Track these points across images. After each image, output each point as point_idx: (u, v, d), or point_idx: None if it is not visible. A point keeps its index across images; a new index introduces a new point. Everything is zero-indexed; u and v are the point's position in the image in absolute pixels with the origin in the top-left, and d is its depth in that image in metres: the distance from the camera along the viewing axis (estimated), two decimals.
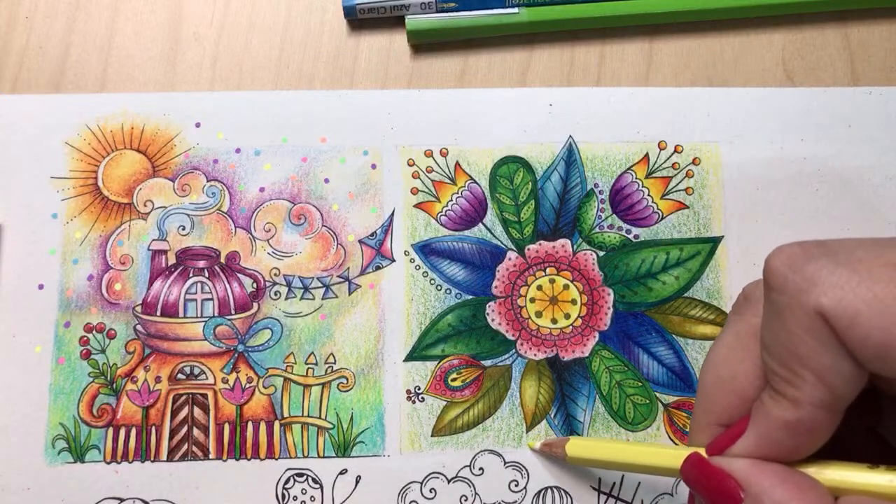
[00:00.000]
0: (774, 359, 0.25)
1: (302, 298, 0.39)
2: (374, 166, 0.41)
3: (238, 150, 0.41)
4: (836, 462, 0.26)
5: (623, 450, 0.33)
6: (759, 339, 0.27)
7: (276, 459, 0.38)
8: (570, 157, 0.41)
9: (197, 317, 0.39)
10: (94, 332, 0.39)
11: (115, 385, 0.38)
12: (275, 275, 0.40)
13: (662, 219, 0.41)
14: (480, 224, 0.41)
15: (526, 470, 0.38)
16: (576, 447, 0.35)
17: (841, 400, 0.25)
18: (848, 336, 0.23)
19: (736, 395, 0.28)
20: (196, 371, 0.39)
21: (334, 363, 0.39)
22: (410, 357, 0.39)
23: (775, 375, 0.25)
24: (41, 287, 0.39)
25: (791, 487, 0.25)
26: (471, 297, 0.40)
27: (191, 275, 0.40)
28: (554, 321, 0.40)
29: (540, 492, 0.38)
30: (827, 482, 0.25)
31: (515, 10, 0.42)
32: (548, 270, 0.40)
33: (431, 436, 0.38)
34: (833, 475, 0.26)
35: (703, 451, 0.28)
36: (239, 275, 0.40)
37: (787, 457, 0.26)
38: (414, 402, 0.39)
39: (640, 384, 0.39)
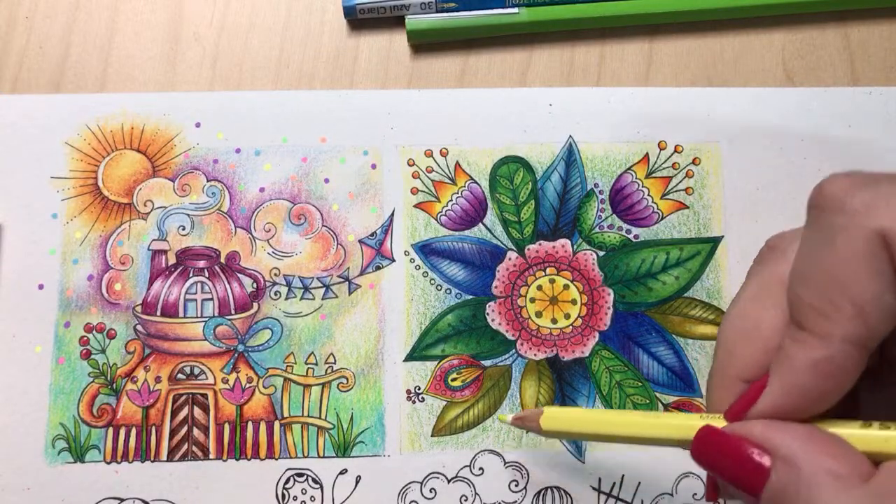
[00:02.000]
0: (810, 288, 0.24)
1: (302, 298, 0.39)
2: (374, 166, 0.41)
3: (238, 150, 0.41)
4: (827, 420, 0.24)
5: (603, 420, 0.30)
6: (788, 280, 0.25)
7: (276, 459, 0.38)
8: (570, 157, 0.41)
9: (197, 317, 0.39)
10: (94, 332, 0.39)
11: (115, 385, 0.38)
12: (275, 275, 0.40)
13: (662, 219, 0.41)
14: (480, 224, 0.41)
15: (526, 470, 0.38)
16: (552, 420, 0.32)
17: (874, 337, 0.23)
18: None
19: (760, 346, 0.26)
20: (196, 371, 0.39)
21: (334, 363, 0.39)
22: (410, 357, 0.39)
23: (807, 307, 0.24)
24: (41, 287, 0.39)
25: (819, 446, 0.23)
26: (471, 297, 0.40)
27: (191, 275, 0.40)
28: (554, 321, 0.40)
29: (540, 492, 0.38)
30: None
31: (515, 10, 0.42)
32: (548, 270, 0.40)
33: (431, 436, 0.38)
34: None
35: (715, 423, 0.25)
36: (239, 275, 0.40)
37: (809, 409, 0.24)
38: (414, 402, 0.39)
39: (640, 384, 0.39)
